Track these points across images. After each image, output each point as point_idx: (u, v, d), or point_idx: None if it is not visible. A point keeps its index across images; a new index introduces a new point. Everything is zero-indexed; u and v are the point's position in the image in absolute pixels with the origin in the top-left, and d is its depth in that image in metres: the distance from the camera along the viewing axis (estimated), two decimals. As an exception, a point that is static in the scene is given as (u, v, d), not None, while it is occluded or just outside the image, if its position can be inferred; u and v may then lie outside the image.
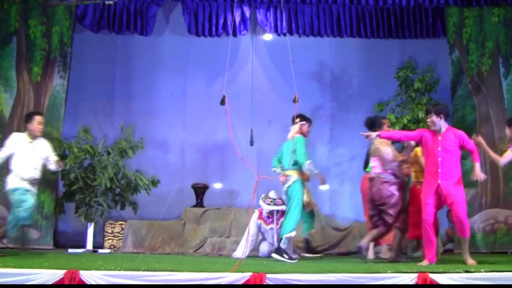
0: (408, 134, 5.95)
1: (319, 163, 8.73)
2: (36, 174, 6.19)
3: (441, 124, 5.57)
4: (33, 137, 6.26)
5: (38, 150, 6.24)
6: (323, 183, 6.87)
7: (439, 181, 5.41)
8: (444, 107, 5.70)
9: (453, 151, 5.49)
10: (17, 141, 6.20)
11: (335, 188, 8.94)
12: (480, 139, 5.79)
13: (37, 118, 6.29)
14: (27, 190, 6.06)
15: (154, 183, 7.89)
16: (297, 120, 6.80)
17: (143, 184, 7.71)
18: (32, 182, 6.13)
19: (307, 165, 6.38)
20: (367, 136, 5.83)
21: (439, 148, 5.48)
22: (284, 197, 6.71)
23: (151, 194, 7.94)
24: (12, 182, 6.07)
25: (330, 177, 8.68)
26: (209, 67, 9.06)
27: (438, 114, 5.56)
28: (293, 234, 6.36)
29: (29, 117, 6.36)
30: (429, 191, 5.47)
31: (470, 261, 5.36)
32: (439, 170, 5.43)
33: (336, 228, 8.03)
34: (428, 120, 5.67)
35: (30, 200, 6.03)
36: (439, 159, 5.45)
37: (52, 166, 6.36)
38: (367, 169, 6.52)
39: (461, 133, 5.62)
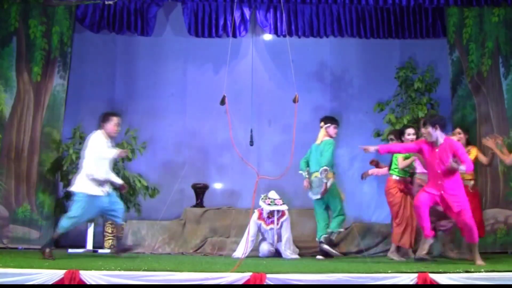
0: (407, 146, 5.99)
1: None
2: (109, 175, 6.05)
3: (437, 135, 5.54)
4: (109, 137, 6.10)
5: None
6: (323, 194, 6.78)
7: (442, 192, 5.46)
8: (439, 118, 5.68)
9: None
10: (99, 142, 5.99)
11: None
12: (490, 144, 5.91)
13: (115, 119, 6.08)
14: (91, 197, 5.87)
15: (153, 192, 7.89)
16: (322, 124, 6.88)
17: (141, 186, 7.71)
18: (104, 182, 5.97)
19: (322, 171, 6.53)
20: (365, 150, 5.84)
21: (437, 160, 5.48)
22: (314, 196, 6.78)
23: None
24: (81, 185, 5.87)
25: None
26: (209, 67, 9.07)
27: (433, 125, 5.53)
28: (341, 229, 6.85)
29: (106, 117, 6.11)
30: (433, 189, 5.53)
31: (479, 261, 5.37)
32: (440, 182, 5.46)
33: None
34: (424, 132, 5.65)
35: (78, 211, 5.85)
36: (439, 171, 5.46)
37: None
38: (391, 171, 6.61)
39: (456, 144, 5.63)
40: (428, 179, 5.70)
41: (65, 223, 5.86)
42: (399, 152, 6.29)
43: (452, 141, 5.64)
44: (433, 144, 5.57)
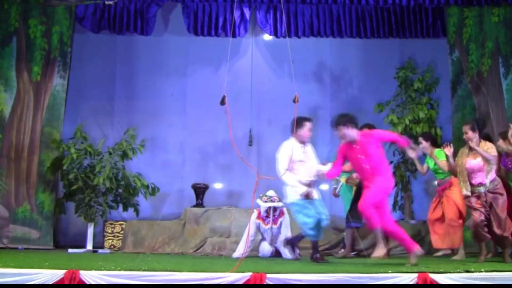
0: (337, 160, 5.71)
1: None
2: (312, 177, 5.92)
3: (353, 133, 5.48)
4: (302, 142, 6.01)
5: (309, 155, 6.03)
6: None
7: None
8: (349, 117, 5.56)
9: (374, 153, 5.43)
10: (291, 147, 5.91)
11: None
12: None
13: (308, 125, 6.02)
14: (304, 203, 5.82)
15: (154, 191, 7.89)
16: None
17: (141, 185, 7.71)
18: (311, 184, 5.86)
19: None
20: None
21: (361, 156, 5.41)
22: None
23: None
24: (291, 195, 5.88)
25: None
26: (209, 67, 9.07)
27: (345, 124, 5.47)
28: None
29: (300, 123, 5.96)
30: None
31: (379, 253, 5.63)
32: (371, 177, 5.38)
33: (336, 228, 8.01)
34: (338, 135, 5.58)
35: (307, 218, 5.80)
36: (367, 166, 5.39)
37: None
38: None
39: (374, 132, 5.67)
40: (361, 179, 5.63)
41: (310, 232, 5.81)
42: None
43: (368, 132, 5.63)
44: (351, 143, 5.50)
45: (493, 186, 5.79)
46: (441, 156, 6.49)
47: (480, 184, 5.77)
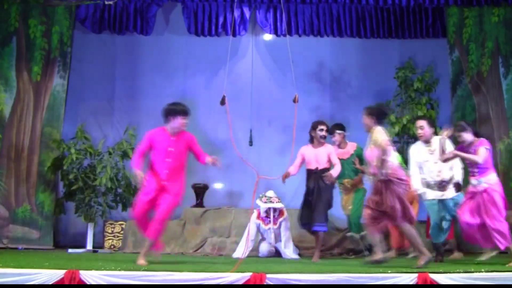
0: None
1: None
2: (445, 175, 5.81)
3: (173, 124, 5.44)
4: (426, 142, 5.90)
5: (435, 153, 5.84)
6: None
7: (163, 183, 5.29)
8: (176, 107, 5.57)
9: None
10: (416, 150, 5.92)
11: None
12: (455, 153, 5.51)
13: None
14: (429, 204, 5.94)
15: None
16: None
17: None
18: (441, 185, 5.83)
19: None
20: None
21: (171, 149, 5.39)
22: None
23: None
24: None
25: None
26: (209, 67, 9.07)
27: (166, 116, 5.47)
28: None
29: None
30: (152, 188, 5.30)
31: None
32: (166, 172, 5.32)
33: (336, 228, 8.01)
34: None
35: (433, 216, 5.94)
36: (170, 160, 5.37)
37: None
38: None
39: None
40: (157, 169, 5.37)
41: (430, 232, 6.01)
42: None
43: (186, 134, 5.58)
44: (170, 133, 5.44)
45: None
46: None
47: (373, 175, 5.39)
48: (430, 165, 5.78)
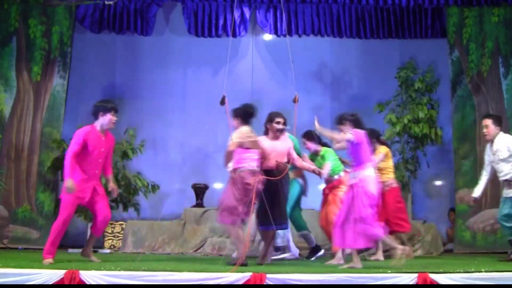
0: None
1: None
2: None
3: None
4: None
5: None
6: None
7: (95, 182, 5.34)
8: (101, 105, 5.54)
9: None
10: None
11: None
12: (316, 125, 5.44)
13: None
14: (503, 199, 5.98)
15: (154, 188, 7.88)
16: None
17: (142, 185, 7.71)
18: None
19: None
20: None
21: (102, 149, 5.40)
22: None
23: (152, 195, 7.94)
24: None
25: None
26: (209, 67, 9.08)
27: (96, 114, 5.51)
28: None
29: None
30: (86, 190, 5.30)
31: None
32: (97, 172, 5.35)
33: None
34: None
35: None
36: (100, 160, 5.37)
37: None
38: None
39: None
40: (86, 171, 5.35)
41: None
42: None
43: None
44: (99, 133, 5.46)
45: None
46: (328, 158, 6.19)
47: None
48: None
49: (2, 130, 7.75)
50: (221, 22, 8.74)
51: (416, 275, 4.26)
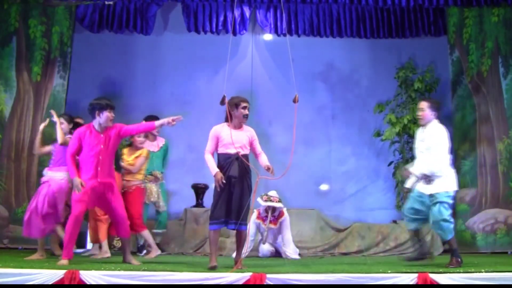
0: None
1: (321, 163, 8.76)
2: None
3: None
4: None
5: None
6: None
7: (99, 180, 5.28)
8: (97, 103, 5.50)
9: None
10: None
11: (339, 188, 8.91)
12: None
13: None
14: None
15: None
16: None
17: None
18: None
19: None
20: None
21: (102, 146, 5.38)
22: None
23: (151, 194, 7.93)
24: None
25: (333, 177, 8.73)
26: (209, 66, 9.07)
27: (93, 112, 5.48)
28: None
29: None
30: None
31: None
32: (99, 169, 5.30)
33: (336, 228, 8.03)
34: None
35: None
36: (101, 157, 5.35)
37: None
38: None
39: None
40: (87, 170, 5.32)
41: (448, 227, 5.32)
42: None
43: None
44: (97, 132, 5.43)
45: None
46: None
47: None
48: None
49: (2, 130, 7.75)
50: (221, 21, 8.75)
51: (416, 275, 4.26)
